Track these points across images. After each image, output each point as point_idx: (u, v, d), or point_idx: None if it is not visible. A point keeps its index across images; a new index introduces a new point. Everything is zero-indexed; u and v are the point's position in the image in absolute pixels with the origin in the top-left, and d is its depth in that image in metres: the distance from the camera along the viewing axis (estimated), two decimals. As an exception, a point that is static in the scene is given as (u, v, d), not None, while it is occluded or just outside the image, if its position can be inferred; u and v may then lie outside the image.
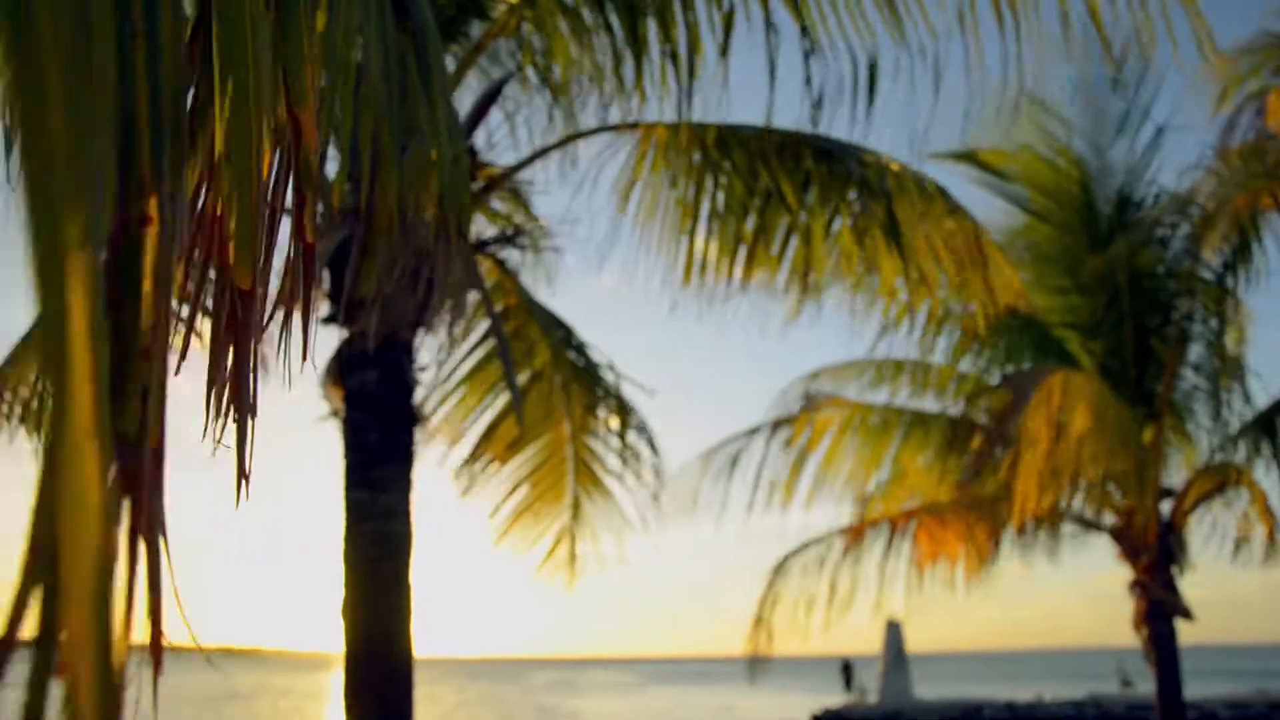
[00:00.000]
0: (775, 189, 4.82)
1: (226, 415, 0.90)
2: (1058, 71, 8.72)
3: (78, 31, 0.60)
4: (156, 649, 0.71)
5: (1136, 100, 8.70)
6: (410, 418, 4.24)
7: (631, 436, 6.09)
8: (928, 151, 8.06)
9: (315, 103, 1.02)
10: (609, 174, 5.13)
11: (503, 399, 5.92)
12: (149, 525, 0.70)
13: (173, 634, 0.74)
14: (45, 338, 0.53)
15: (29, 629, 0.52)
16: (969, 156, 8.85)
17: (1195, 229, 8.03)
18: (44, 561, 0.52)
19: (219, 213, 0.90)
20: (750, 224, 4.99)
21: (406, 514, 4.16)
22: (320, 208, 4.22)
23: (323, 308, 4.32)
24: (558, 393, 5.97)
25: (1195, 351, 8.50)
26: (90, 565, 0.52)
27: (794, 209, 4.89)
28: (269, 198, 0.99)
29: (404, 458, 4.20)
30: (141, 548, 0.69)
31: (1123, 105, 8.74)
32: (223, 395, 0.91)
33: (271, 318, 1.06)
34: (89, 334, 0.54)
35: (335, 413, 4.27)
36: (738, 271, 5.10)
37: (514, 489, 6.33)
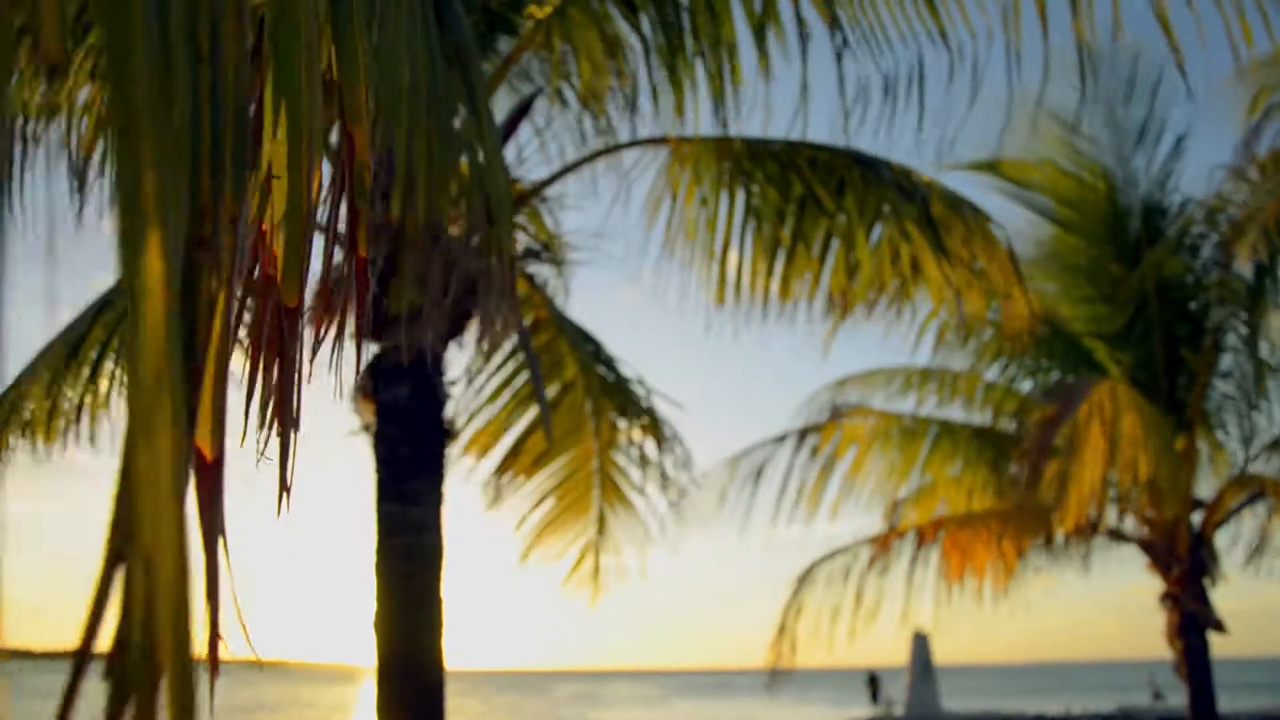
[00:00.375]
0: (810, 195, 4.81)
1: (270, 428, 0.91)
2: (1097, 80, 8.75)
3: (159, 56, 0.62)
4: (214, 657, 0.73)
5: (1154, 109, 8.69)
6: (442, 431, 4.26)
7: (664, 454, 6.07)
8: (950, 162, 8.07)
9: (370, 119, 1.04)
10: (639, 187, 5.13)
11: (531, 413, 5.92)
12: (207, 535, 0.72)
13: (232, 644, 0.76)
14: (132, 355, 0.56)
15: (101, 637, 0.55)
16: (992, 167, 8.83)
17: (1225, 238, 7.97)
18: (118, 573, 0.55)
19: (266, 230, 0.91)
20: (787, 230, 4.98)
21: (438, 527, 4.18)
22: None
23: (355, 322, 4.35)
24: (585, 407, 5.97)
25: (1226, 361, 8.43)
26: (171, 570, 0.54)
27: (831, 212, 4.88)
28: (320, 214, 1.01)
29: (435, 471, 4.22)
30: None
31: (1143, 113, 8.72)
32: (266, 408, 0.92)
33: (323, 333, 1.07)
34: (171, 348, 0.57)
35: (366, 427, 4.30)
36: (775, 282, 5.09)
37: (539, 502, 6.33)
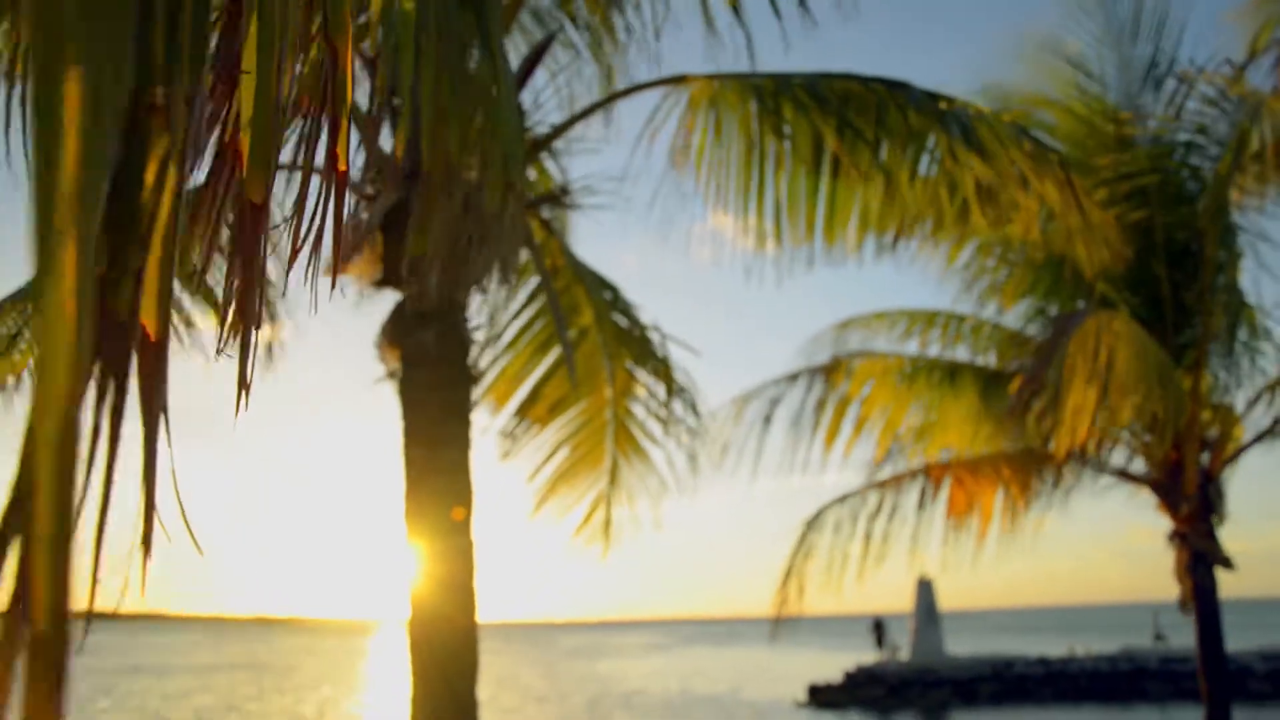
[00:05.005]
0: (848, 126, 4.66)
1: (234, 326, 0.92)
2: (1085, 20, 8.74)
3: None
4: (148, 532, 0.73)
5: (1160, 46, 8.64)
6: (468, 375, 4.31)
7: (676, 399, 6.03)
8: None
9: (353, 34, 1.00)
10: (652, 128, 5.02)
11: (549, 360, 5.91)
12: (147, 413, 0.73)
13: (166, 525, 0.75)
14: (37, 202, 0.54)
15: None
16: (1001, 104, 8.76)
17: (1223, 174, 7.95)
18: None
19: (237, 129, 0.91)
20: (826, 166, 4.85)
21: (466, 470, 4.23)
22: (374, 171, 4.28)
23: (375, 271, 4.37)
24: (600, 355, 5.97)
25: (1227, 300, 8.45)
26: (55, 434, 0.53)
27: (872, 143, 4.74)
28: (306, 129, 1.02)
29: (463, 415, 4.26)
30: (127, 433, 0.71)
31: (1149, 50, 8.69)
32: (229, 307, 0.93)
33: (301, 245, 1.05)
34: (80, 204, 0.56)
35: (392, 374, 4.34)
36: (819, 220, 4.96)
37: (553, 453, 6.30)
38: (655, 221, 5.11)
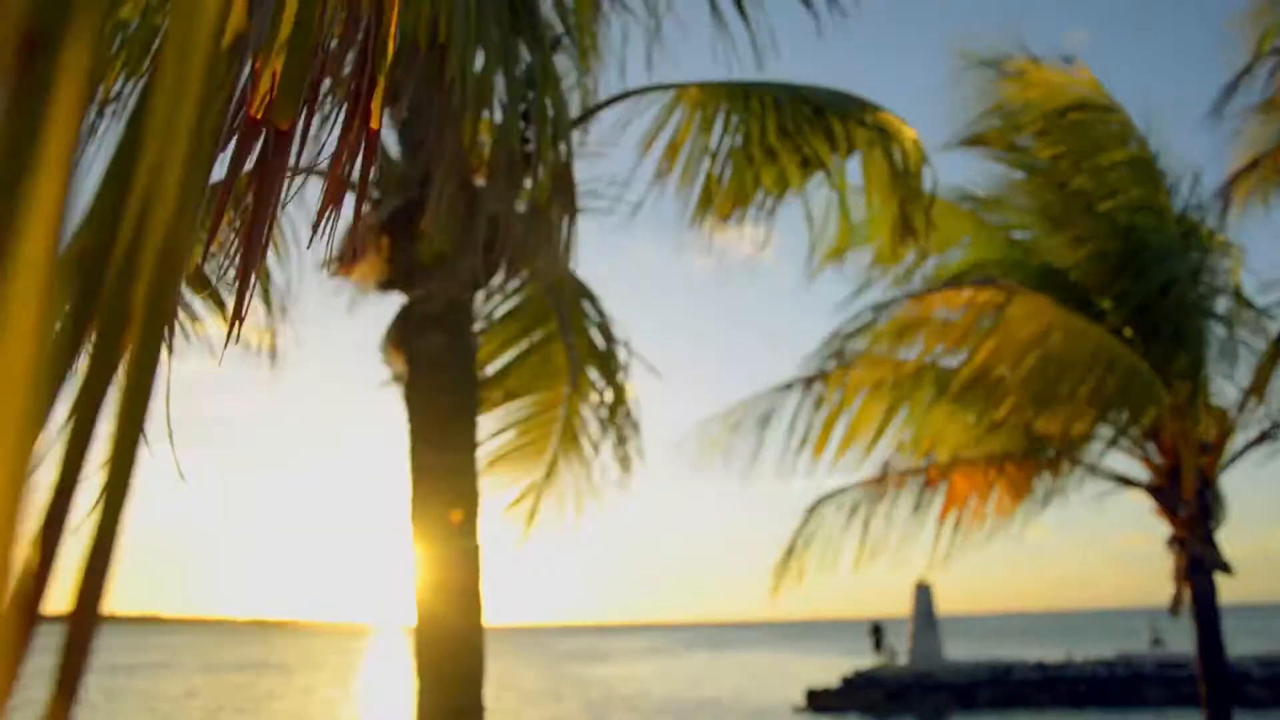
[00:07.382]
0: (808, 147, 4.80)
1: (240, 258, 0.88)
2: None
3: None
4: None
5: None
6: (473, 379, 4.34)
7: (620, 416, 5.98)
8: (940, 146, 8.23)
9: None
10: (636, 132, 5.10)
11: (511, 354, 5.86)
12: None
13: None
14: None
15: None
16: (978, 140, 8.75)
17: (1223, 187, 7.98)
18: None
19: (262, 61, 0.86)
20: (778, 182, 5.00)
21: (473, 473, 4.27)
22: (377, 175, 4.32)
23: (381, 274, 4.40)
24: (564, 355, 5.85)
25: (1221, 305, 8.47)
26: None
27: (829, 169, 4.89)
28: (343, 82, 1.01)
29: (469, 418, 4.30)
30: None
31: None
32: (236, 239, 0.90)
33: (330, 204, 1.02)
34: None
35: (398, 377, 4.37)
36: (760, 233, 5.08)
37: (499, 431, 6.22)
38: (648, 227, 5.19)
